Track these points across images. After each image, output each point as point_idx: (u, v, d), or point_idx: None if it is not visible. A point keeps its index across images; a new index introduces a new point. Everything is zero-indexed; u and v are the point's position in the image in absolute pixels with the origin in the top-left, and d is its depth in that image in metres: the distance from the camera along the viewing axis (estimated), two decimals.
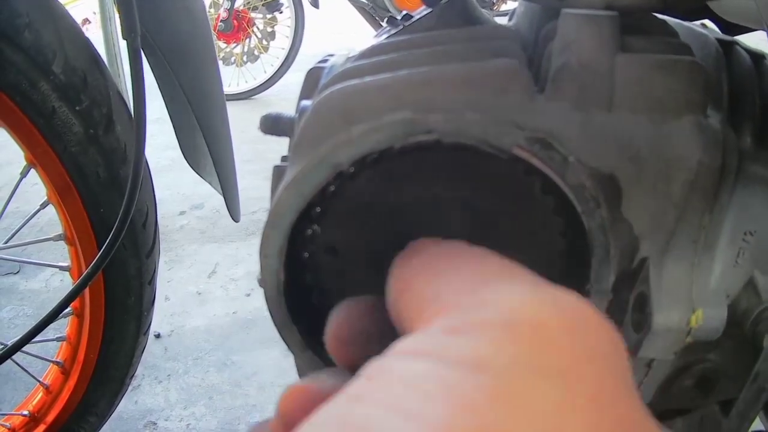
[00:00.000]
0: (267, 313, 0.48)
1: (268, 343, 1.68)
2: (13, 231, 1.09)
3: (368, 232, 0.49)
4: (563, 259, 0.49)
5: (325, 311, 0.53)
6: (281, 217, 0.46)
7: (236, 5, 3.80)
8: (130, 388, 1.54)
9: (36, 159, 0.97)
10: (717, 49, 0.52)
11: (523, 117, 0.43)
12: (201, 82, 1.01)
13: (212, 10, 3.77)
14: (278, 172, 0.49)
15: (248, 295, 1.91)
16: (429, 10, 0.55)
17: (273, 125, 0.52)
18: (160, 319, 1.83)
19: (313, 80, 0.53)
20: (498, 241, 0.49)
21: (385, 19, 0.57)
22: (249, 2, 3.89)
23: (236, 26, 3.83)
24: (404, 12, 0.56)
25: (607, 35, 0.44)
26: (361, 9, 4.01)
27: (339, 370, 0.33)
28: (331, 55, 0.54)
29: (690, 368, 0.53)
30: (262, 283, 0.51)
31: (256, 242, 2.39)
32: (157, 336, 1.75)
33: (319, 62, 0.54)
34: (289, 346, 0.50)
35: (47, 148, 0.95)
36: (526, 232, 0.48)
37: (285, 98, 3.86)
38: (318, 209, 0.49)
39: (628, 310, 0.48)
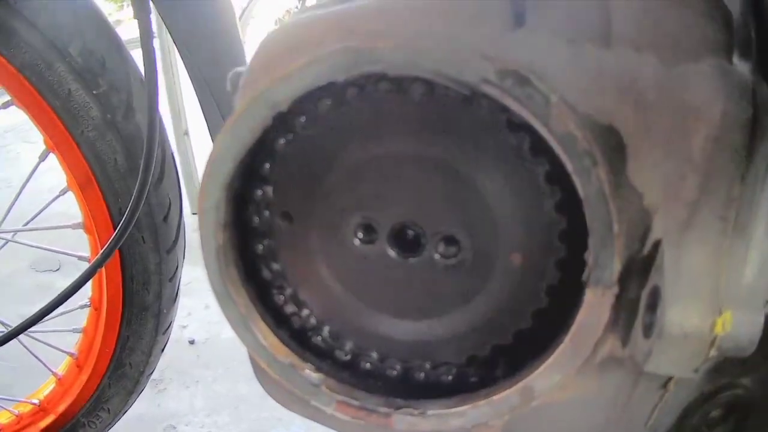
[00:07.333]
0: None
1: None
2: (31, 216, 1.08)
3: (327, 196, 0.43)
4: (563, 243, 0.40)
5: (278, 286, 0.47)
6: (219, 165, 0.41)
7: None
8: (155, 391, 1.52)
9: (54, 144, 0.96)
10: None
11: (495, 49, 0.35)
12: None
13: None
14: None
15: None
16: None
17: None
18: (197, 327, 1.80)
19: None
20: (479, 214, 0.40)
21: None
22: None
23: None
24: None
25: None
26: None
27: None
28: None
29: (717, 395, 0.42)
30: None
31: None
32: (191, 342, 1.72)
33: None
34: (229, 321, 0.45)
35: (64, 131, 0.93)
36: (513, 203, 0.40)
37: None
38: (268, 165, 0.44)
39: (640, 311, 0.36)
